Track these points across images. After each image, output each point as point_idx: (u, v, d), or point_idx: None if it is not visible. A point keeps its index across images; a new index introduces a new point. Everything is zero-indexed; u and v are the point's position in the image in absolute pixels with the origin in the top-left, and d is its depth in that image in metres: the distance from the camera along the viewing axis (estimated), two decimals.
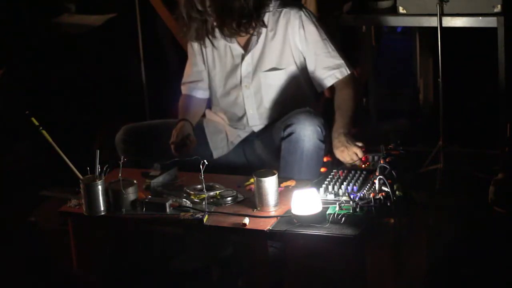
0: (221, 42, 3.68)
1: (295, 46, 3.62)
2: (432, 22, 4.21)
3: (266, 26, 3.60)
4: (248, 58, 3.65)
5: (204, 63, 3.77)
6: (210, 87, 3.81)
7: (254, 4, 3.54)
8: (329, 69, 3.62)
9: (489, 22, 4.14)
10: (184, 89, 3.86)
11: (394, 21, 4.51)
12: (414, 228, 3.23)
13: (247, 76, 3.67)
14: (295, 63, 3.64)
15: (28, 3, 5.35)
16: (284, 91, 3.67)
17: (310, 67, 3.64)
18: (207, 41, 3.67)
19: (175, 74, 3.99)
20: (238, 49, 3.67)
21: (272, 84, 3.66)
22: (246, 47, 3.66)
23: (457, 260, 3.56)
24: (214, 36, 3.63)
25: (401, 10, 4.29)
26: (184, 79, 3.86)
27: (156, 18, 5.12)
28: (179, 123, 3.63)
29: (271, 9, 3.61)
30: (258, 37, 3.63)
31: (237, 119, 3.75)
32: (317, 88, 3.68)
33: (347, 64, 3.65)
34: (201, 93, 3.83)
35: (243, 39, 3.66)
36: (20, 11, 5.29)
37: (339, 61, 3.63)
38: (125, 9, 5.13)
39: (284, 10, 3.62)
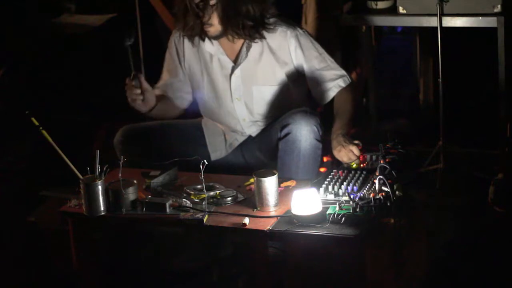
0: (207, 52, 3.68)
1: (291, 64, 3.62)
2: (432, 22, 4.21)
3: (264, 38, 3.59)
4: (237, 71, 3.65)
5: (183, 77, 3.76)
6: (201, 99, 3.79)
7: (259, 12, 3.55)
8: (332, 80, 3.64)
9: (489, 22, 4.14)
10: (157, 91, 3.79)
11: (394, 21, 4.51)
12: (414, 228, 3.23)
13: (237, 89, 3.67)
14: (289, 79, 3.64)
15: (29, 3, 5.35)
16: (277, 103, 3.67)
17: (312, 83, 3.65)
18: (195, 41, 3.66)
19: None
20: (227, 61, 3.66)
21: (265, 98, 3.67)
22: (236, 60, 3.65)
23: (457, 260, 3.56)
24: (205, 36, 3.61)
25: (401, 10, 4.29)
26: (159, 85, 3.81)
27: (156, 18, 5.12)
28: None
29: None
30: (248, 50, 3.62)
31: (232, 127, 3.75)
32: (320, 101, 3.68)
33: (347, 72, 3.69)
34: (179, 102, 3.80)
35: (232, 52, 3.66)
36: (20, 11, 5.29)
37: (340, 71, 3.66)
38: (125, 9, 5.13)
39: (280, 28, 3.61)
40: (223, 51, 3.66)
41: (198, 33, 3.60)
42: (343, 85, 3.65)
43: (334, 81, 3.64)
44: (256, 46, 3.62)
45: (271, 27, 3.60)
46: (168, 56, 3.81)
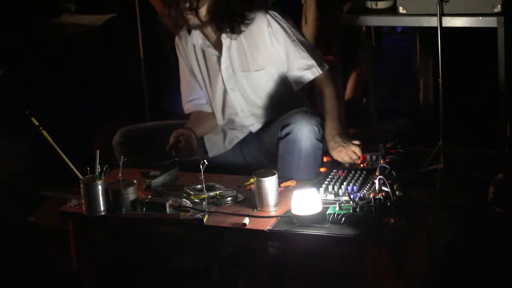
0: (194, 46, 3.69)
1: (269, 48, 3.61)
2: (432, 22, 4.21)
3: (242, 31, 3.59)
4: (224, 60, 3.65)
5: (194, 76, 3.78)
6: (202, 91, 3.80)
7: (243, 12, 3.56)
8: (300, 69, 3.62)
9: (489, 22, 4.14)
10: (188, 109, 3.83)
11: (394, 21, 4.51)
12: (414, 228, 3.23)
13: (229, 78, 3.67)
14: (273, 63, 3.63)
15: (28, 3, 5.35)
16: (271, 89, 3.67)
17: (284, 68, 3.65)
18: (184, 36, 3.69)
19: (175, 74, 3.99)
20: (214, 53, 3.66)
21: (255, 84, 3.66)
22: (219, 49, 3.65)
23: (457, 260, 3.56)
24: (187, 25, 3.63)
25: (401, 10, 4.29)
26: (184, 98, 3.84)
27: (156, 18, 5.11)
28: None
29: None
30: (228, 39, 3.61)
31: (232, 119, 3.74)
32: (294, 87, 3.67)
33: (319, 63, 3.62)
34: (207, 107, 3.82)
35: (216, 43, 3.66)
36: (20, 11, 5.29)
37: (310, 61, 3.61)
38: (125, 9, 5.13)
39: (252, 16, 3.58)
40: (209, 43, 3.67)
41: (182, 21, 3.60)
42: (311, 76, 3.61)
43: (303, 71, 3.62)
44: (234, 36, 3.62)
45: (249, 22, 3.59)
46: (180, 64, 3.82)
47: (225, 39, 3.61)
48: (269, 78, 3.65)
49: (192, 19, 3.56)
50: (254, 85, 3.66)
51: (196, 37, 3.67)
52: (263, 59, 3.62)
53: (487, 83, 4.64)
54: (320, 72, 3.62)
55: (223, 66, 3.65)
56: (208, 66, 3.72)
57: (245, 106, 3.70)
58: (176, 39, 3.79)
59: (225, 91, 3.70)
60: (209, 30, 3.64)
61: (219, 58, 3.66)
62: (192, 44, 3.71)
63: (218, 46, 3.66)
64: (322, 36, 4.70)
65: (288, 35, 3.60)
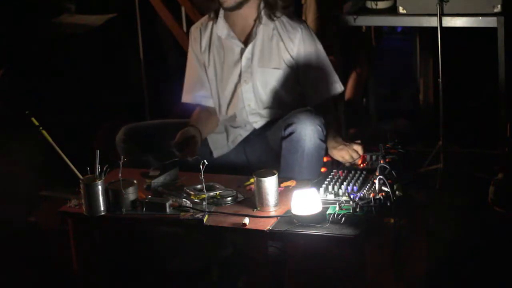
0: (218, 36, 3.71)
1: (290, 52, 3.65)
2: (432, 22, 4.21)
3: (278, 16, 3.66)
4: (247, 53, 3.67)
5: (204, 67, 3.78)
6: (210, 84, 3.80)
7: None
8: (326, 83, 3.67)
9: (489, 22, 4.14)
10: (187, 99, 3.84)
11: (394, 21, 4.51)
12: (414, 228, 3.23)
13: (246, 71, 3.68)
14: (291, 66, 3.66)
15: (28, 3, 5.35)
16: (283, 89, 3.68)
17: (303, 79, 3.68)
18: (208, 25, 3.73)
19: (175, 74, 3.99)
20: (237, 44, 3.69)
21: (270, 82, 3.67)
22: (246, 42, 3.68)
23: (457, 260, 3.56)
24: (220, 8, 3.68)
25: (401, 10, 4.29)
26: (186, 88, 3.84)
27: (156, 18, 5.12)
28: (184, 127, 3.64)
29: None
30: (258, 31, 3.65)
31: (235, 116, 3.74)
32: (309, 102, 3.67)
33: (340, 82, 3.73)
34: (206, 101, 3.82)
35: (243, 34, 3.69)
36: (20, 11, 5.29)
37: (335, 77, 3.70)
38: (125, 9, 5.14)
39: (287, 18, 3.68)
40: (233, 34, 3.69)
41: (215, 5, 3.65)
42: (334, 93, 3.69)
43: (329, 85, 3.67)
44: (266, 29, 3.66)
45: (283, 13, 3.67)
46: (189, 55, 3.83)
47: (256, 29, 3.65)
48: (284, 78, 3.66)
49: (228, 1, 3.60)
50: (266, 83, 3.68)
51: (222, 27, 3.69)
52: (283, 60, 3.66)
53: (487, 83, 4.65)
54: (342, 89, 3.73)
55: (244, 57, 3.67)
56: (225, 57, 3.72)
57: (253, 102, 3.71)
58: (192, 29, 3.81)
59: (237, 84, 3.70)
60: (241, 15, 3.66)
61: (242, 49, 3.67)
62: (216, 34, 3.71)
63: (242, 36, 3.69)
64: (322, 36, 4.70)
65: (316, 48, 3.68)
